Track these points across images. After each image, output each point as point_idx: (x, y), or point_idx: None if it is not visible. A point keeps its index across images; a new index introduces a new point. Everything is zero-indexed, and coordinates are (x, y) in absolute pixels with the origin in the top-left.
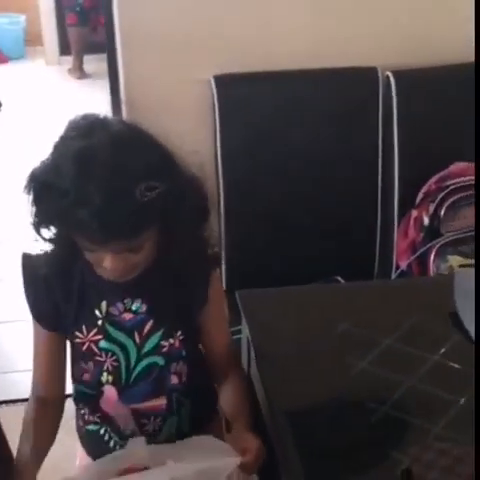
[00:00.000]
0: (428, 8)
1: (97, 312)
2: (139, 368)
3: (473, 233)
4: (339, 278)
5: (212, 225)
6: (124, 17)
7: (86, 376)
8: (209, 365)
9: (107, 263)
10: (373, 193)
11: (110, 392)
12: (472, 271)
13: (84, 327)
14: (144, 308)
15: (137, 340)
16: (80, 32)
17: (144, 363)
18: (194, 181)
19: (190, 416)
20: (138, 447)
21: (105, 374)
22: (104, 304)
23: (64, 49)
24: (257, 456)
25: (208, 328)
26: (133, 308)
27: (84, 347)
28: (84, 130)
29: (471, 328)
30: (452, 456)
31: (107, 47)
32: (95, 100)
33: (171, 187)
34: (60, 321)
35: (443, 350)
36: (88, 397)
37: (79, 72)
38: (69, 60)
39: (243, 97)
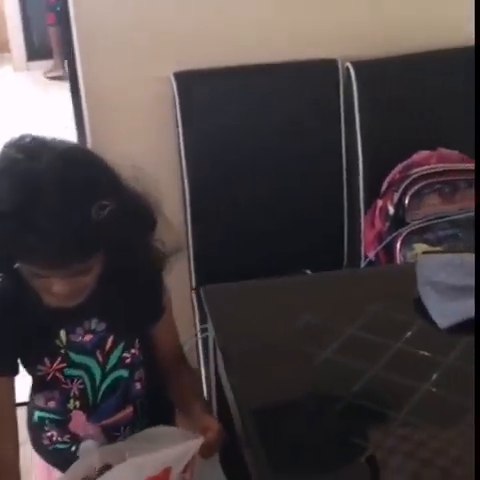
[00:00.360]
0: None
1: (57, 342)
2: (104, 386)
3: (438, 221)
4: (308, 271)
5: (173, 227)
6: (80, 16)
7: (51, 403)
8: (158, 364)
9: (57, 288)
10: (338, 185)
11: (78, 416)
12: (434, 257)
13: (46, 359)
14: (103, 326)
15: (100, 359)
16: (60, 31)
17: (109, 380)
18: (137, 194)
19: (152, 416)
20: (92, 454)
21: (72, 400)
22: (63, 333)
23: (32, 55)
24: (219, 434)
25: (160, 331)
26: (92, 328)
27: (48, 377)
28: (31, 152)
29: (433, 313)
30: (414, 441)
31: (66, 47)
32: (64, 104)
33: (119, 204)
34: (13, 362)
35: (406, 337)
36: (55, 421)
37: (62, 71)
38: (38, 65)
39: (204, 93)
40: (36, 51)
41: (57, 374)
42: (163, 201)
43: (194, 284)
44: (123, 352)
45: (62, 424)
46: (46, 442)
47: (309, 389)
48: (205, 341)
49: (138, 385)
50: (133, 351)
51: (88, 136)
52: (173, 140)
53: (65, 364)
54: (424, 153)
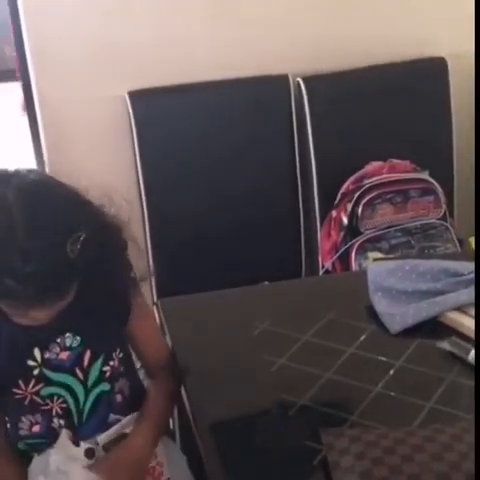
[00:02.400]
0: (335, 15)
1: (30, 362)
2: (89, 404)
3: (390, 229)
4: (266, 283)
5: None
6: (34, 35)
7: (36, 428)
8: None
9: (37, 316)
10: (294, 198)
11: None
12: (383, 264)
13: (21, 382)
14: (78, 340)
15: (80, 376)
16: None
17: (92, 397)
18: (107, 217)
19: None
20: None
21: (56, 420)
22: (37, 351)
23: None
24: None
25: (138, 341)
26: (68, 344)
27: (26, 401)
28: None
29: (384, 318)
30: (364, 442)
31: (20, 68)
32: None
33: (91, 230)
34: None
35: (359, 342)
36: (41, 445)
37: None
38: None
39: (158, 111)
40: None
41: (34, 397)
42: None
43: (155, 298)
44: (103, 366)
45: (49, 444)
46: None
47: (265, 397)
48: None
49: (119, 397)
50: (112, 363)
51: (45, 154)
52: (129, 157)
53: (42, 385)
54: (376, 164)
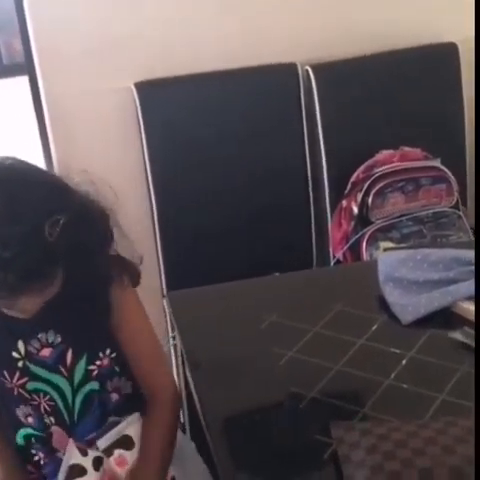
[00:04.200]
0: (343, 2)
1: (15, 354)
2: (78, 403)
3: (402, 218)
4: (277, 274)
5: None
6: (39, 28)
7: (30, 419)
8: (136, 378)
9: (24, 306)
10: (304, 187)
11: (58, 433)
12: (394, 254)
13: (6, 372)
14: (59, 338)
15: (65, 374)
16: None
17: (81, 396)
18: (89, 199)
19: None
20: None
21: (45, 416)
22: (21, 344)
23: (1, 71)
24: None
25: (127, 339)
26: (49, 341)
27: (15, 392)
28: None
29: (395, 309)
30: (375, 435)
31: (26, 62)
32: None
33: (71, 214)
34: None
35: (369, 333)
36: (40, 439)
37: None
38: (8, 82)
39: (165, 102)
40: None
41: (21, 390)
42: (129, 210)
43: (165, 291)
44: (88, 365)
45: (46, 442)
46: (31, 469)
47: (275, 390)
48: (177, 349)
49: (115, 395)
50: (99, 362)
51: (52, 147)
52: (137, 148)
53: (26, 378)
54: (387, 152)
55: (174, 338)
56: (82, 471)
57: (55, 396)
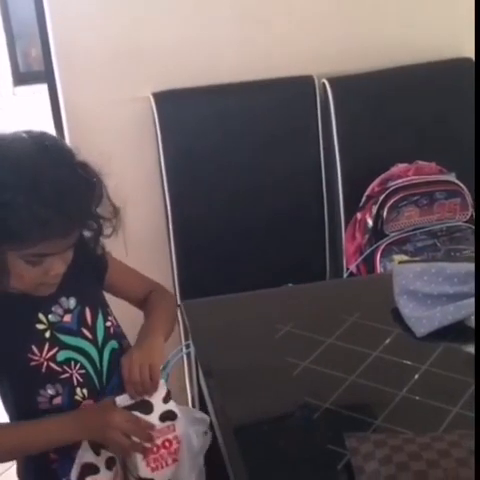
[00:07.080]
0: (359, 15)
1: (39, 325)
2: (105, 363)
3: (416, 232)
4: (290, 285)
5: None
6: (59, 38)
7: (57, 400)
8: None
9: (56, 267)
10: (319, 199)
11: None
12: (410, 266)
13: (34, 347)
14: (73, 301)
15: (89, 336)
16: None
17: (106, 356)
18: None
19: None
20: None
21: (78, 390)
22: (42, 315)
23: (18, 79)
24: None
25: (119, 283)
26: (69, 306)
27: (43, 368)
28: (12, 139)
29: (410, 321)
30: (389, 446)
31: (45, 71)
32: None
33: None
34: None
35: (384, 345)
36: None
37: None
38: (24, 90)
39: (183, 112)
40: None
41: (51, 364)
42: (145, 218)
43: (179, 300)
44: (105, 321)
45: None
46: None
47: (289, 400)
48: (190, 357)
49: None
50: (111, 318)
51: None
52: (154, 158)
53: (56, 349)
54: (402, 166)
55: (188, 347)
56: (95, 470)
57: (85, 363)
